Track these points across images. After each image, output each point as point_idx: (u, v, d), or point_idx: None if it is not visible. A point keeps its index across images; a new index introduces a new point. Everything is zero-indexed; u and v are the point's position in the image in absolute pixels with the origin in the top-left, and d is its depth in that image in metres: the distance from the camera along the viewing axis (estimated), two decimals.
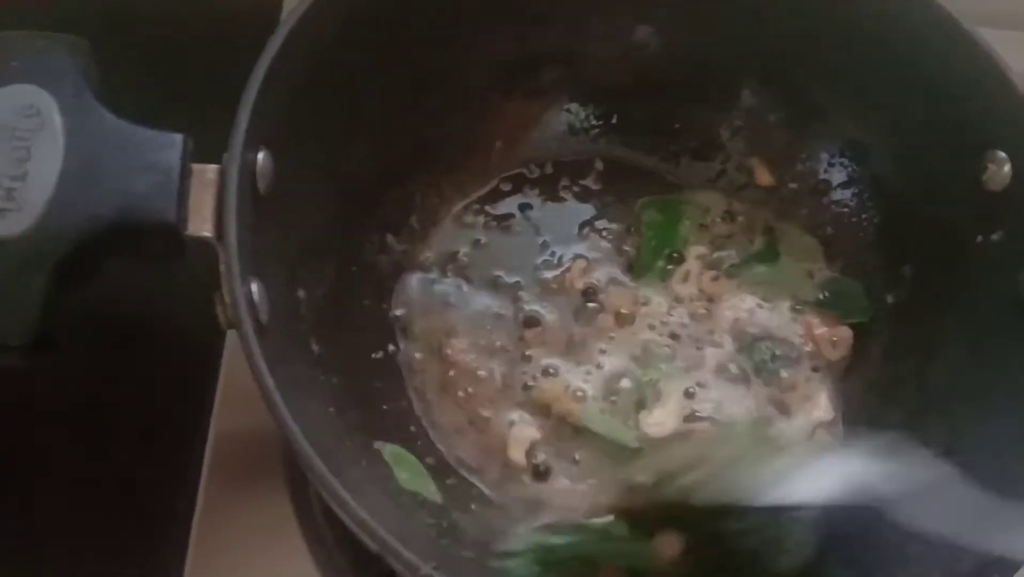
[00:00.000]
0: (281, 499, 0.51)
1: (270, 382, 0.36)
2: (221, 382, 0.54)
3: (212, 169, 0.39)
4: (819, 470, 0.43)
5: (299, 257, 0.47)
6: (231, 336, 0.40)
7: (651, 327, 0.54)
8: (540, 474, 0.50)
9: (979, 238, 0.48)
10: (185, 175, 0.38)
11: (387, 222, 0.55)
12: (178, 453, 0.53)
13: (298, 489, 0.51)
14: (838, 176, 0.55)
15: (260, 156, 0.41)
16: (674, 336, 0.53)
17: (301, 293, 0.46)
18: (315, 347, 0.47)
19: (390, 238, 0.55)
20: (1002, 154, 0.46)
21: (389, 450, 0.48)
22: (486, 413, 0.51)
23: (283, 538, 0.50)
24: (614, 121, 0.58)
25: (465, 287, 0.54)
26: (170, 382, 0.55)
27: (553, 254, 0.56)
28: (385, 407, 0.51)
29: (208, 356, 0.54)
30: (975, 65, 0.47)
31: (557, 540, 0.47)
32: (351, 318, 0.51)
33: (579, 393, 0.52)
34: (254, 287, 0.39)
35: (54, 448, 0.53)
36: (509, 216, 0.57)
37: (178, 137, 0.38)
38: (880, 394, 0.52)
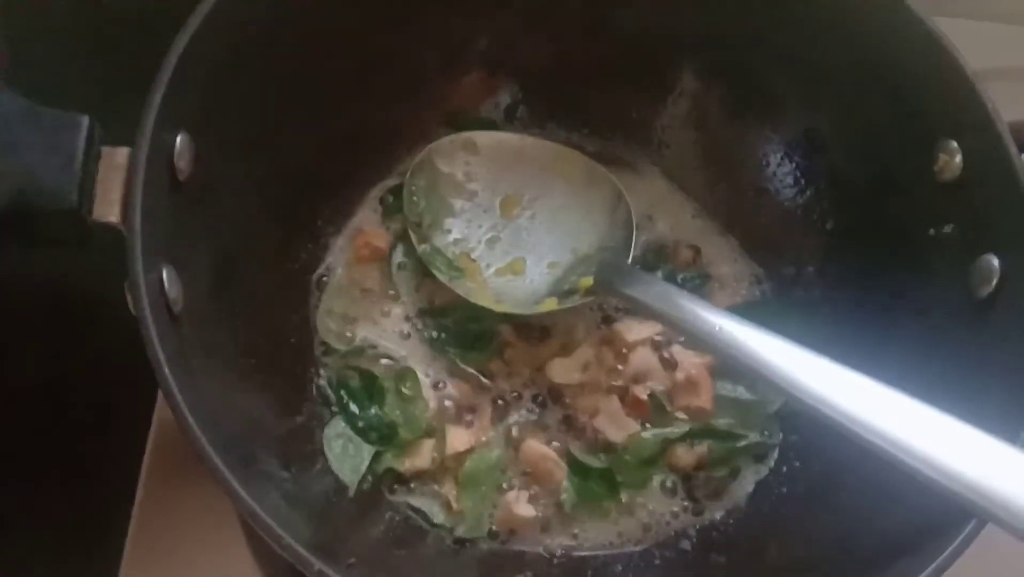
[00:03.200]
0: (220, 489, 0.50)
1: (167, 371, 0.35)
2: None
3: (122, 152, 0.37)
4: None
5: (229, 244, 0.45)
6: None
7: None
8: None
9: (931, 231, 0.46)
10: (92, 158, 0.37)
11: (322, 206, 0.54)
12: (121, 440, 0.52)
13: None
14: (786, 169, 0.54)
15: (178, 139, 0.39)
16: None
17: (229, 280, 0.45)
18: (243, 336, 0.46)
19: (323, 223, 0.54)
20: (954, 144, 0.45)
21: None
22: None
23: (222, 528, 0.50)
24: (551, 106, 0.57)
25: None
26: (115, 368, 0.53)
27: None
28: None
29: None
30: (929, 53, 0.45)
31: None
32: (281, 306, 0.50)
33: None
34: (165, 275, 0.38)
35: None
36: None
37: (84, 118, 0.37)
38: None
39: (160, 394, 0.51)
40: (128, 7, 0.53)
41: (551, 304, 0.52)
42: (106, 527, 0.50)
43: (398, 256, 0.54)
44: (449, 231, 0.55)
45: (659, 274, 0.54)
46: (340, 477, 0.47)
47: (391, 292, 0.53)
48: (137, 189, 0.36)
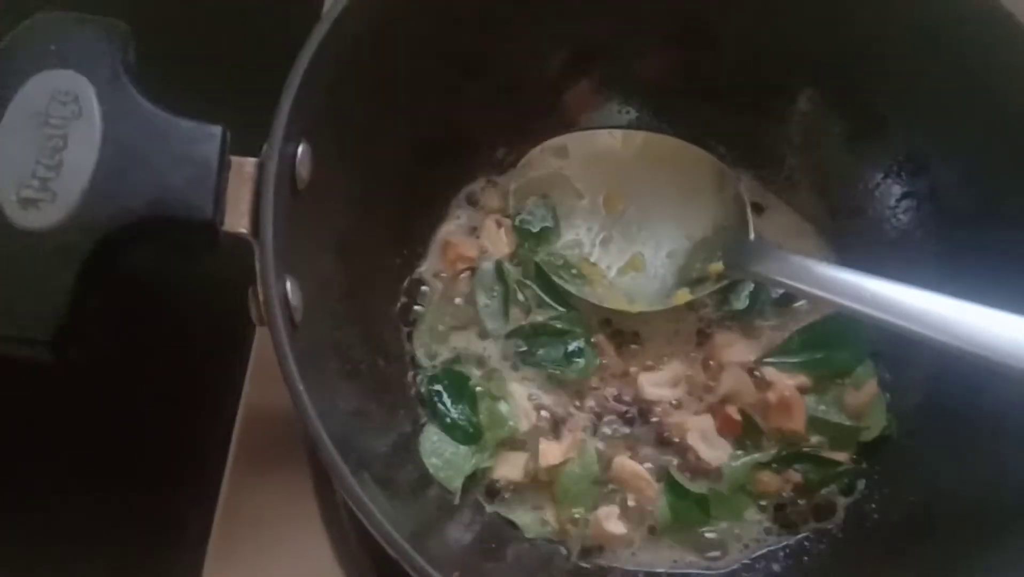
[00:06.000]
0: (305, 488, 0.51)
1: (300, 386, 0.35)
2: (251, 368, 0.53)
3: (250, 163, 0.38)
4: None
5: (334, 252, 0.46)
6: None
7: None
8: None
9: None
10: (223, 168, 0.37)
11: (418, 213, 0.54)
12: (205, 437, 0.53)
13: (322, 481, 0.51)
14: (894, 191, 0.53)
15: (300, 149, 0.40)
16: None
17: (333, 289, 0.45)
18: (344, 344, 0.46)
19: (417, 230, 0.54)
20: None
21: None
22: None
23: (305, 528, 0.50)
24: (663, 122, 0.56)
25: None
26: (201, 367, 0.55)
27: None
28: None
29: (239, 342, 0.54)
30: None
31: None
32: (378, 314, 0.51)
33: None
34: (289, 285, 0.38)
35: (86, 429, 0.53)
36: None
37: (217, 129, 0.37)
38: None
39: (245, 389, 0.53)
40: (247, 18, 0.54)
41: (684, 295, 0.52)
42: (191, 520, 0.51)
43: (482, 298, 0.53)
44: (561, 238, 0.55)
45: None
46: (440, 483, 0.48)
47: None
48: (268, 201, 0.37)
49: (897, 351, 0.51)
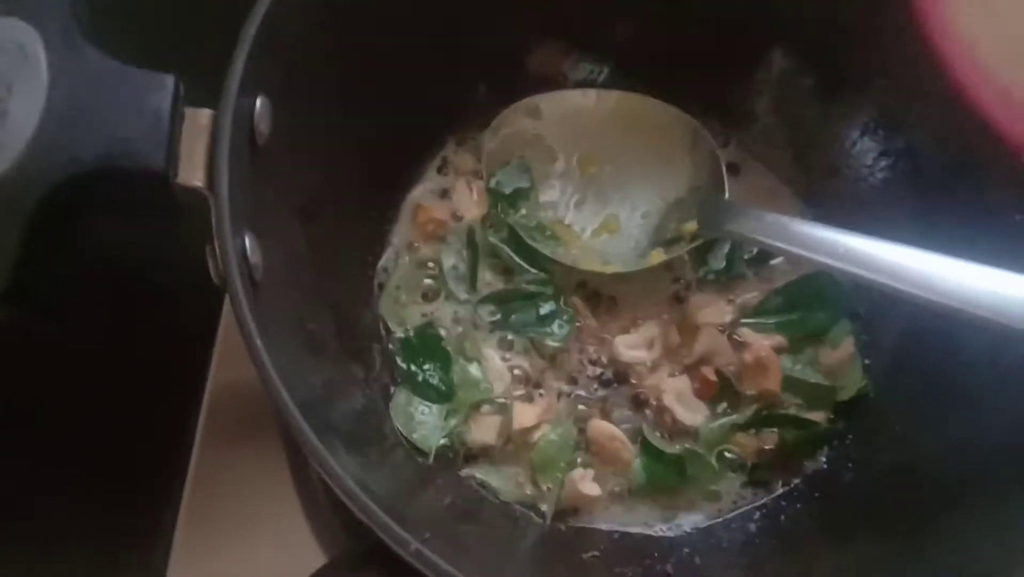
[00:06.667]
0: (278, 464, 0.51)
1: (259, 342, 0.34)
2: (220, 336, 0.53)
3: (205, 114, 0.37)
4: None
5: (299, 212, 0.45)
6: None
7: None
8: None
9: (1018, 217, 0.45)
10: (176, 119, 0.36)
11: (387, 177, 0.53)
12: (175, 406, 0.53)
13: (295, 455, 0.51)
14: (870, 149, 0.52)
15: (258, 103, 0.39)
16: None
17: (298, 249, 0.44)
18: (309, 305, 0.45)
19: (386, 194, 0.53)
20: None
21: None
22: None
23: (278, 503, 0.50)
24: (636, 82, 0.55)
25: None
26: (169, 334, 0.54)
27: None
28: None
29: (208, 311, 0.53)
30: None
31: None
32: (346, 277, 0.50)
33: None
34: (248, 242, 0.37)
35: (54, 398, 0.52)
36: None
37: (169, 78, 0.36)
38: None
39: (213, 367, 0.52)
40: None
41: (658, 255, 0.51)
42: (159, 500, 0.51)
43: (451, 263, 0.53)
44: (535, 200, 0.54)
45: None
46: (414, 444, 0.47)
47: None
48: (223, 152, 0.35)
49: (873, 310, 0.51)
